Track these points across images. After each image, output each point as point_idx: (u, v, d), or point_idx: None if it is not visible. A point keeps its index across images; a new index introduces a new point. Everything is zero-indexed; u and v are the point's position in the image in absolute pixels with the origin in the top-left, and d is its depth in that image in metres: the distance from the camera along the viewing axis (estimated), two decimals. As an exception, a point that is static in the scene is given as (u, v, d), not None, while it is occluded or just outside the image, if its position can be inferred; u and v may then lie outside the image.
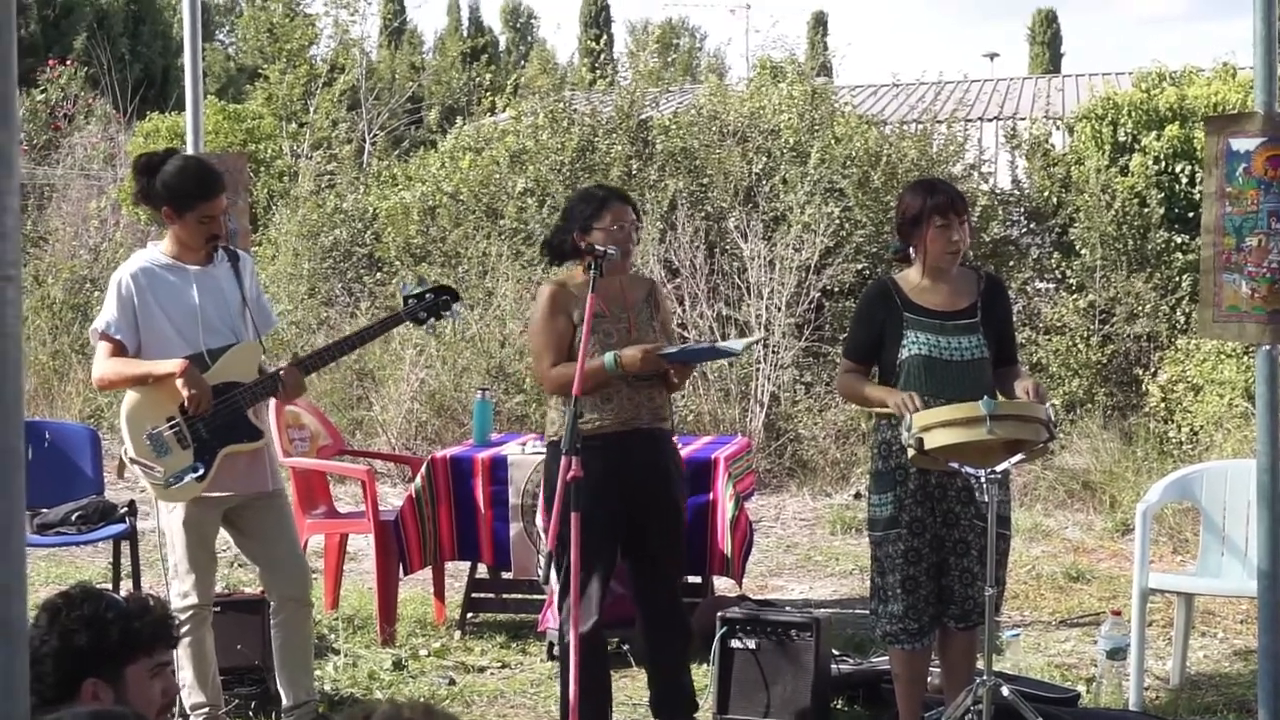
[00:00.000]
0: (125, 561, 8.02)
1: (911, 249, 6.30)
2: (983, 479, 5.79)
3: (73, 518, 8.01)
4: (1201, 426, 11.47)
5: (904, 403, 5.95)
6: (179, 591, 6.28)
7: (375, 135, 20.91)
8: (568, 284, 6.48)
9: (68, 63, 24.08)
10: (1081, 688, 7.22)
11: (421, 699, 7.02)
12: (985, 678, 5.88)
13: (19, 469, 2.84)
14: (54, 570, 9.80)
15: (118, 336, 6.21)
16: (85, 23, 31.06)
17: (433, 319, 6.56)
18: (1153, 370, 12.66)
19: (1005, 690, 5.95)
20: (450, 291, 6.61)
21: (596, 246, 6.22)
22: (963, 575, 6.18)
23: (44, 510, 8.06)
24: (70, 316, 15.92)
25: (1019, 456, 5.88)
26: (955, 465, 5.84)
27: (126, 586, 7.86)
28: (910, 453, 5.86)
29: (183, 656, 6.23)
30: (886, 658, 6.73)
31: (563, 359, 6.36)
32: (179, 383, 6.09)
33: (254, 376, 6.30)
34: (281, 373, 6.33)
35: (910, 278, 6.33)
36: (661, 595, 6.58)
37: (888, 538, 6.22)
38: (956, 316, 6.22)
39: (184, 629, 6.24)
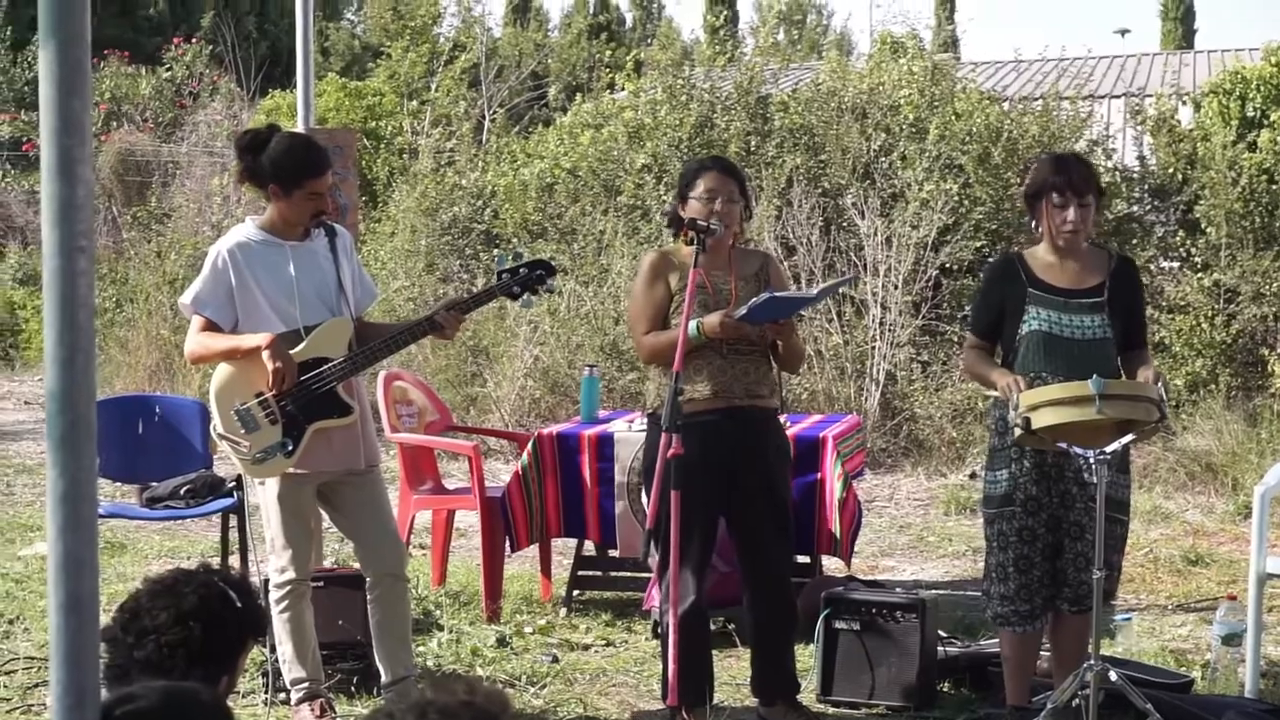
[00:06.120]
0: (233, 535, 8.06)
1: (1035, 224, 6.19)
2: (1091, 459, 5.66)
3: (181, 491, 8.04)
4: (1328, 409, 11.22)
5: (1011, 385, 5.83)
6: (276, 567, 6.28)
7: (495, 112, 20.92)
8: (672, 254, 6.43)
9: (194, 41, 24.32)
10: (1197, 674, 7.06)
11: (520, 676, 7.03)
12: (1093, 662, 5.77)
13: (91, 438, 2.84)
14: (166, 544, 9.89)
15: (205, 313, 6.20)
16: (212, 1, 31.42)
17: (527, 294, 6.49)
18: (1279, 351, 12.39)
19: (1113, 675, 5.83)
20: (545, 266, 6.53)
21: (699, 221, 6.15)
22: (1077, 559, 6.05)
23: (153, 484, 8.10)
24: (192, 293, 16.09)
25: (1129, 437, 5.75)
26: (1063, 446, 5.72)
27: (235, 560, 7.90)
28: (1017, 432, 5.75)
29: (281, 631, 6.24)
30: (996, 641, 6.62)
31: (656, 327, 6.32)
32: (265, 355, 6.08)
33: (344, 353, 6.23)
34: (437, 316, 6.32)
35: (1038, 254, 6.21)
36: (764, 576, 6.49)
37: (1001, 515, 6.11)
38: (1082, 295, 6.09)
39: (282, 604, 6.25)
